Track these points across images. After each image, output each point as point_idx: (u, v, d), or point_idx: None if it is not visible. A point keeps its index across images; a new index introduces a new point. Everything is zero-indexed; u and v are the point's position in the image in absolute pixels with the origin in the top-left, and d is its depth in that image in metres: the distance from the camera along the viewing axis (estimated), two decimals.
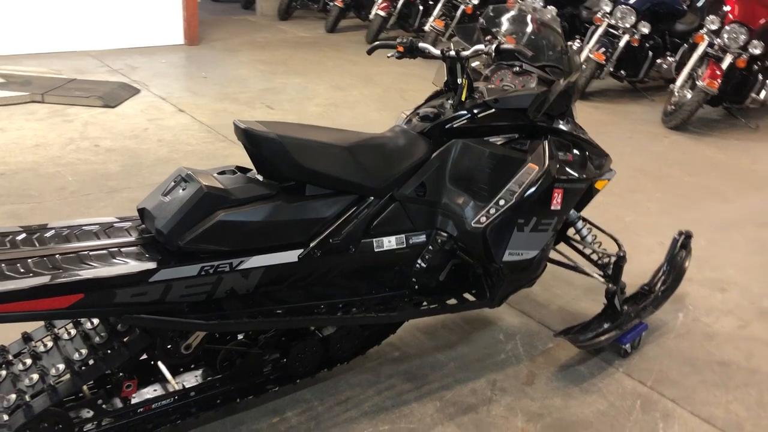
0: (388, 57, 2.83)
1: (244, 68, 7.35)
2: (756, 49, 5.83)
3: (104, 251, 1.98)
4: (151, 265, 1.95)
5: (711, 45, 5.96)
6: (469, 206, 2.50)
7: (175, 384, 2.27)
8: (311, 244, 2.23)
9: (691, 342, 3.00)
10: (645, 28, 6.58)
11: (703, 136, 6.01)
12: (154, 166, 4.58)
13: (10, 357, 2.14)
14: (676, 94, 6.09)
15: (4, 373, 2.06)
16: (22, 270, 1.81)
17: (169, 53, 7.82)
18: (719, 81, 5.75)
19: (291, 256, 2.19)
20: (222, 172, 2.22)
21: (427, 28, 8.21)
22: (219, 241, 2.05)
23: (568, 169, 2.60)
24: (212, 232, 2.02)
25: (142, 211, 2.11)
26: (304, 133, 2.27)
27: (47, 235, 2.03)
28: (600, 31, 6.65)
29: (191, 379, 2.33)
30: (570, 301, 3.24)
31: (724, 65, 5.81)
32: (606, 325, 2.78)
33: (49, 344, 2.12)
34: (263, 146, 2.15)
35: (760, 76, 6.05)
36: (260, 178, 2.24)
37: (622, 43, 6.60)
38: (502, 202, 2.47)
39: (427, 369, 2.71)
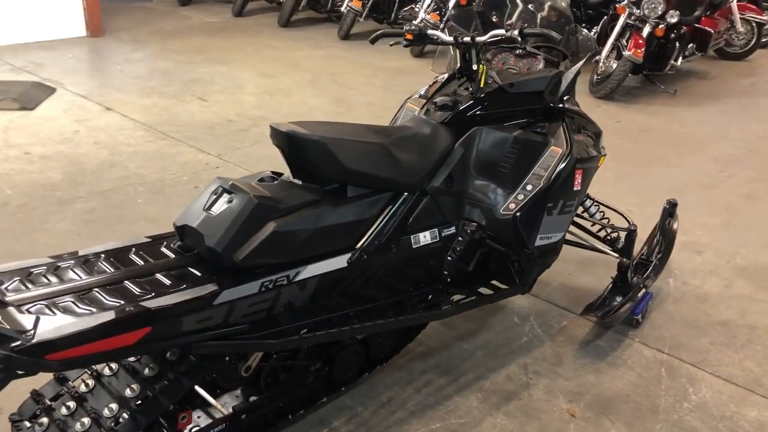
0: (391, 45, 2.74)
1: (161, 60, 6.95)
2: (673, 18, 6.13)
3: (153, 276, 1.81)
4: (213, 287, 1.79)
5: (631, 15, 6.21)
6: (496, 194, 2.47)
7: (222, 408, 2.12)
8: (358, 247, 2.13)
9: (689, 305, 3.14)
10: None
11: (630, 104, 6.27)
12: (99, 171, 4.25)
13: (48, 401, 1.92)
14: (602, 65, 6.32)
15: (46, 420, 1.85)
16: (78, 307, 1.62)
17: (72, 47, 7.26)
18: (643, 50, 6.02)
19: (341, 261, 2.09)
20: (261, 180, 2.07)
21: (344, 8, 8.07)
22: (275, 254, 1.92)
23: (583, 150, 2.63)
24: (268, 244, 1.89)
25: (182, 228, 1.94)
26: (341, 133, 2.16)
27: (84, 263, 1.82)
28: None
29: (232, 401, 2.19)
30: (568, 277, 3.30)
31: (644, 34, 6.09)
32: (621, 298, 2.84)
33: (90, 382, 1.92)
34: (308, 149, 2.02)
35: (677, 44, 6.37)
36: (297, 182, 2.12)
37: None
38: (529, 188, 2.46)
39: (456, 360, 2.68)
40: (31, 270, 1.76)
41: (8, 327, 1.48)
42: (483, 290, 2.56)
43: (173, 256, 1.93)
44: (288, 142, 2.03)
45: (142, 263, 1.86)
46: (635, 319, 2.90)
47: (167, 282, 1.79)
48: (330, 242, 2.06)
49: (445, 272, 2.47)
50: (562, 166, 2.47)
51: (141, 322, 1.64)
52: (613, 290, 2.89)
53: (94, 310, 1.62)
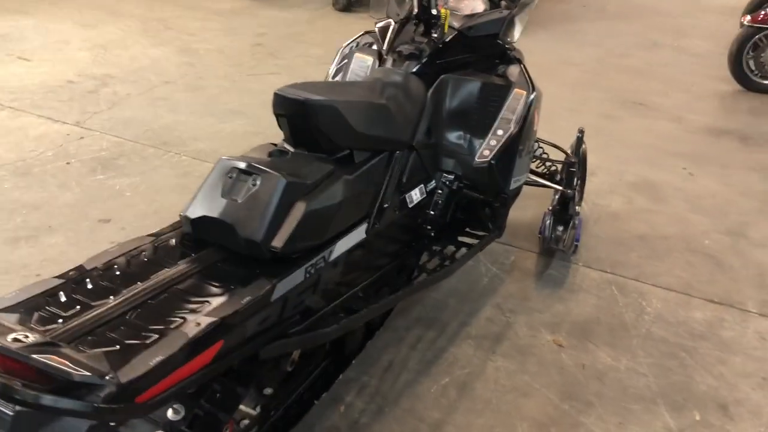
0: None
1: None
2: None
3: (194, 281, 1.56)
4: (266, 282, 1.59)
5: None
6: (469, 142, 2.44)
7: (250, 410, 1.92)
8: (372, 215, 2.01)
9: (607, 225, 3.39)
10: None
11: None
12: None
13: None
14: None
15: None
16: (137, 333, 1.35)
17: None
18: None
19: (361, 232, 1.96)
20: (271, 155, 1.84)
21: None
22: (312, 235, 1.74)
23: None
24: (304, 226, 1.70)
25: (198, 220, 1.68)
26: (342, 94, 1.98)
27: (101, 278, 1.52)
28: None
29: (252, 399, 1.99)
30: None
31: None
32: (565, 227, 2.99)
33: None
34: (322, 116, 1.83)
35: None
36: (304, 153, 1.92)
37: None
38: (500, 132, 2.46)
39: (434, 312, 2.66)
40: (46, 296, 1.43)
41: (87, 373, 1.19)
42: (463, 240, 2.55)
43: (195, 254, 1.67)
44: (300, 109, 1.81)
45: (169, 269, 1.59)
46: (576, 245, 3.07)
47: (213, 286, 1.55)
48: (351, 214, 1.91)
49: (428, 227, 2.42)
50: (528, 107, 2.49)
51: (213, 336, 1.42)
52: (555, 220, 3.03)
53: (158, 334, 1.36)
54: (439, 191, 2.41)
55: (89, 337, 1.32)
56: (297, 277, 1.68)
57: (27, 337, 1.23)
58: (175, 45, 5.59)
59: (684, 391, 2.34)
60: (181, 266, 1.60)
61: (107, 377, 1.20)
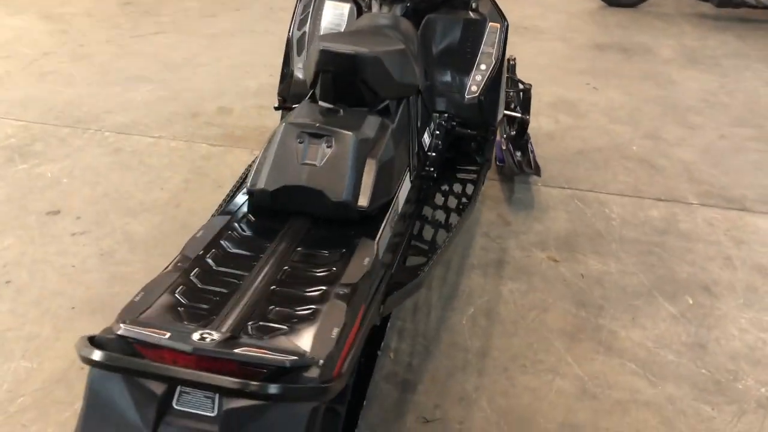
0: None
1: None
2: None
3: (301, 251, 1.54)
4: (369, 242, 1.60)
5: None
6: (457, 80, 2.50)
7: None
8: (410, 163, 2.04)
9: (547, 144, 3.61)
10: None
11: None
12: None
13: None
14: None
15: None
16: (292, 314, 1.32)
17: None
18: None
19: (407, 182, 2.00)
20: (324, 113, 1.80)
21: None
22: (385, 190, 1.76)
23: None
24: (379, 181, 1.72)
25: (279, 191, 1.63)
26: (374, 43, 1.95)
27: (214, 262, 1.46)
28: None
29: None
30: None
31: None
32: (523, 151, 3.15)
33: None
34: (369, 68, 1.81)
35: None
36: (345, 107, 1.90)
37: None
38: (483, 67, 2.54)
39: None
40: (173, 291, 1.35)
41: (294, 357, 1.16)
42: (460, 177, 2.63)
43: (285, 225, 1.63)
44: (349, 64, 1.78)
45: (271, 243, 1.55)
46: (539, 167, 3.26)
47: (325, 254, 1.53)
48: (402, 164, 1.94)
49: (432, 168, 2.48)
50: (503, 39, 2.58)
51: (358, 301, 1.42)
52: (515, 145, 3.18)
53: (312, 309, 1.34)
54: (437, 132, 2.46)
55: (253, 323, 1.27)
56: (386, 233, 1.70)
57: (210, 334, 1.17)
58: (34, 11, 5.06)
59: (671, 281, 2.63)
60: (282, 240, 1.56)
61: (313, 358, 1.18)
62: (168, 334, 1.15)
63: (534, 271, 2.67)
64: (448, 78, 2.48)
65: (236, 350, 1.14)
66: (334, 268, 1.48)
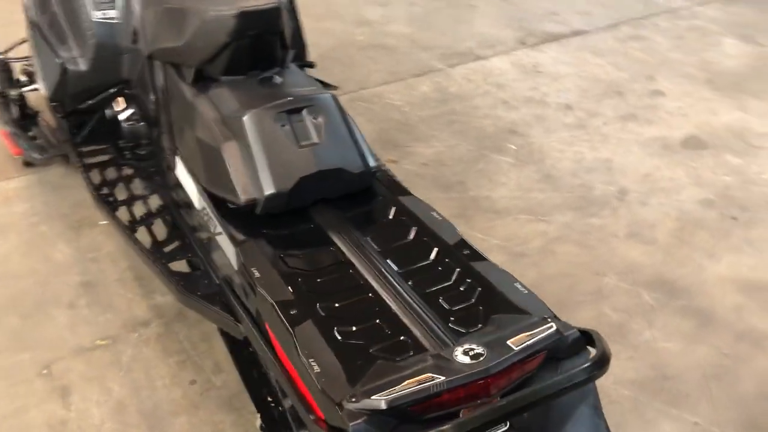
0: None
1: None
2: None
3: (375, 239, 1.42)
4: (419, 201, 1.54)
5: None
6: None
7: None
8: None
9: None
10: None
11: None
12: None
13: None
14: None
15: None
16: (469, 306, 1.22)
17: None
18: None
19: None
20: (266, 83, 1.58)
21: None
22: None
23: None
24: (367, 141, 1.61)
25: (296, 188, 1.43)
26: None
27: (304, 277, 1.27)
28: None
29: None
30: None
31: None
32: None
33: None
34: (284, 20, 1.62)
35: None
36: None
37: None
38: None
39: None
40: (308, 314, 1.15)
41: (556, 324, 1.09)
42: None
43: (317, 220, 1.45)
44: (274, 18, 1.58)
45: (337, 243, 1.38)
46: None
47: (400, 235, 1.42)
48: None
49: None
50: None
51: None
52: None
53: (479, 293, 1.24)
54: None
55: (451, 323, 1.16)
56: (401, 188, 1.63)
57: (462, 347, 1.05)
58: None
59: (485, 137, 2.95)
60: (336, 236, 1.40)
61: (555, 316, 1.15)
62: (441, 378, 0.99)
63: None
64: None
65: (509, 345, 1.05)
66: (425, 238, 1.39)
